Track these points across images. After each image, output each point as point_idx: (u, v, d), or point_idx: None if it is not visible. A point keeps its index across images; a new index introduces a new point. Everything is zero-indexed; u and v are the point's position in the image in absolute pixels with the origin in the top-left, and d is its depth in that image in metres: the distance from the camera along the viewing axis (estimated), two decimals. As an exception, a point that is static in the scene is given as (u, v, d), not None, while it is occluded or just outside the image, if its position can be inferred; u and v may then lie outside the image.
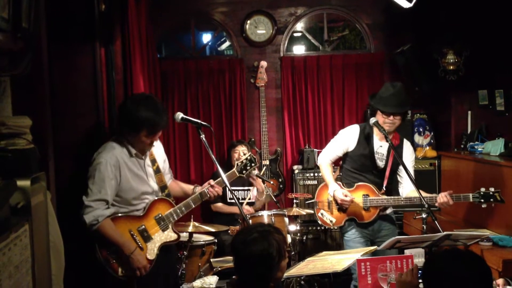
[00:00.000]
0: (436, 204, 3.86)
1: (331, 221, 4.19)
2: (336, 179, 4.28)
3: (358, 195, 4.10)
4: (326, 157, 4.30)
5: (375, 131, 4.14)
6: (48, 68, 2.79)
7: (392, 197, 4.07)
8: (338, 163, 4.52)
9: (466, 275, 2.15)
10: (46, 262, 2.34)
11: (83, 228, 3.14)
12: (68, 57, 3.30)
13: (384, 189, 4.12)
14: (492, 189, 3.84)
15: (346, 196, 4.05)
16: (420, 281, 2.65)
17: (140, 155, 3.43)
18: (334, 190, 4.12)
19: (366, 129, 4.18)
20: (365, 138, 4.15)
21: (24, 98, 2.50)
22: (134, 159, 3.39)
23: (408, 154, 4.19)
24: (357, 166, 4.18)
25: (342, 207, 4.12)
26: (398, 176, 4.21)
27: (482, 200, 3.85)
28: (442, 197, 3.86)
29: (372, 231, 4.13)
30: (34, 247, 2.13)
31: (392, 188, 4.22)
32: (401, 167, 4.09)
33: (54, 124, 2.84)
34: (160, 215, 3.43)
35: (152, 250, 3.38)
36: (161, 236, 3.43)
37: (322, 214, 4.24)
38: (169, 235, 3.47)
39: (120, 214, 3.33)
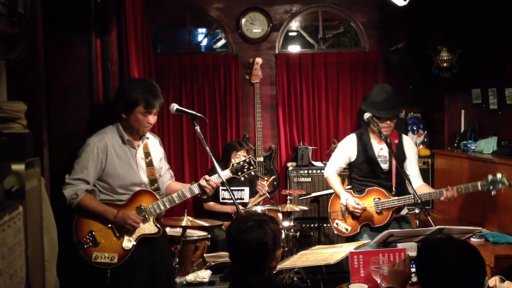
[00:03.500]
0: (442, 198, 3.87)
1: (346, 229, 4.20)
2: (346, 190, 4.29)
3: (370, 200, 4.11)
4: (331, 170, 4.35)
5: (372, 135, 4.16)
6: (43, 56, 2.80)
7: (403, 196, 4.05)
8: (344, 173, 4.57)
9: (459, 263, 2.15)
10: (39, 247, 2.34)
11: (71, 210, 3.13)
12: (63, 47, 3.32)
13: (394, 190, 4.12)
14: (499, 175, 3.80)
15: (357, 204, 4.06)
16: (413, 270, 2.67)
17: (133, 144, 3.42)
18: (346, 198, 4.13)
19: (363, 136, 4.21)
20: (364, 145, 4.18)
21: (19, 84, 2.51)
22: (126, 147, 3.39)
23: (410, 149, 4.20)
24: (364, 173, 4.20)
25: (355, 215, 4.13)
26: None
27: (491, 187, 3.80)
28: (449, 192, 3.87)
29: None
30: (27, 231, 2.13)
31: (403, 188, 4.21)
32: (405, 165, 4.14)
33: (49, 112, 2.85)
34: (141, 206, 3.38)
35: (128, 240, 3.32)
36: (140, 228, 3.36)
37: (337, 224, 4.25)
38: (149, 227, 3.39)
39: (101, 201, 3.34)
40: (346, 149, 4.25)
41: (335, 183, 4.29)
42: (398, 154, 4.12)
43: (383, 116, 4.00)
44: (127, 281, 3.34)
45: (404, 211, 4.23)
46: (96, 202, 3.28)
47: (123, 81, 3.59)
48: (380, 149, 4.16)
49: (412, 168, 4.14)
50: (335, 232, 4.29)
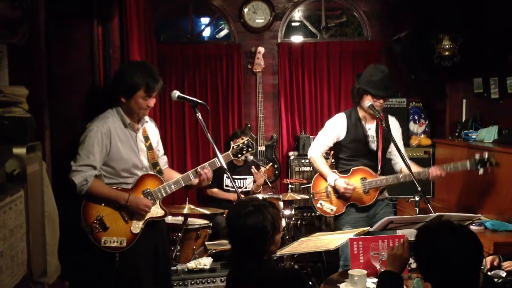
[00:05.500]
0: (430, 178, 3.93)
1: (331, 210, 4.19)
2: (332, 170, 4.28)
3: (356, 179, 4.12)
4: (316, 150, 4.32)
5: (361, 114, 4.18)
6: (45, 41, 2.81)
7: (391, 175, 4.08)
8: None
9: (457, 248, 2.16)
10: (40, 231, 2.36)
11: (76, 195, 3.15)
12: (65, 33, 3.31)
13: (380, 170, 4.15)
14: (486, 154, 3.95)
15: (348, 184, 4.06)
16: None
17: (134, 127, 3.44)
18: (335, 179, 4.12)
19: (353, 115, 4.21)
20: (354, 124, 4.18)
21: (21, 69, 2.52)
22: (127, 130, 3.41)
23: (396, 130, 4.22)
24: (351, 153, 4.20)
25: (343, 195, 4.13)
26: (390, 155, 4.26)
27: (479, 165, 3.94)
28: (435, 170, 3.95)
29: (367, 217, 4.16)
30: (29, 214, 2.15)
31: (387, 169, 4.25)
32: (391, 146, 4.16)
33: (50, 97, 2.86)
34: (148, 190, 3.41)
35: (137, 224, 3.36)
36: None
37: (321, 204, 4.23)
38: (156, 210, 3.44)
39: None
40: (335, 127, 4.23)
41: (321, 164, 4.26)
42: (384, 134, 4.14)
43: (380, 95, 4.03)
44: (134, 264, 3.37)
45: (385, 194, 4.28)
46: (105, 187, 3.30)
47: (121, 66, 3.59)
48: (369, 129, 4.18)
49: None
50: (318, 212, 4.29)
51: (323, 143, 4.30)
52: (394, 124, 4.26)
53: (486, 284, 2.29)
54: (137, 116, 3.44)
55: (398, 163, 4.22)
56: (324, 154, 4.44)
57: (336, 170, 4.26)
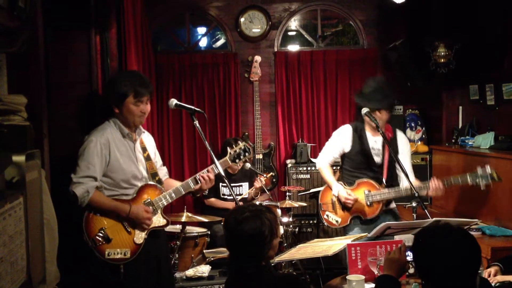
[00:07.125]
0: (429, 192, 3.90)
1: (336, 221, 4.23)
2: (337, 180, 4.32)
3: (360, 192, 4.15)
4: (324, 160, 4.36)
5: (367, 127, 4.19)
6: (44, 50, 2.83)
7: (393, 188, 4.09)
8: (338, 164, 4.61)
9: (455, 250, 2.17)
10: (40, 238, 2.37)
11: (76, 207, 3.15)
12: (63, 43, 3.34)
13: (385, 183, 4.16)
14: (488, 169, 3.86)
15: (349, 195, 4.09)
16: (409, 259, 2.69)
17: (132, 137, 3.44)
18: (338, 190, 4.16)
19: (358, 127, 4.24)
20: (359, 136, 4.21)
21: (19, 78, 2.54)
22: (125, 141, 3.41)
23: (403, 144, 4.24)
24: (356, 165, 4.23)
25: (346, 206, 4.16)
26: (396, 169, 4.27)
27: (480, 181, 3.87)
28: (434, 183, 3.92)
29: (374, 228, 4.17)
30: (28, 221, 2.16)
31: (393, 181, 4.25)
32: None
33: (49, 106, 2.88)
34: (149, 200, 3.40)
35: (140, 234, 3.35)
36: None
37: (327, 215, 4.28)
38: (158, 220, 3.43)
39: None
40: (341, 139, 4.27)
41: (328, 174, 4.31)
42: (391, 148, 4.16)
43: (372, 107, 4.04)
44: (138, 275, 3.36)
45: (392, 205, 4.29)
46: (106, 198, 3.29)
47: (110, 77, 3.61)
48: (374, 142, 4.20)
49: (404, 163, 4.17)
50: (325, 224, 4.33)
51: (330, 154, 4.35)
52: (402, 139, 4.27)
53: (483, 287, 2.30)
54: (134, 124, 3.43)
55: (403, 179, 4.17)
56: (333, 164, 4.46)
57: (342, 182, 4.28)
